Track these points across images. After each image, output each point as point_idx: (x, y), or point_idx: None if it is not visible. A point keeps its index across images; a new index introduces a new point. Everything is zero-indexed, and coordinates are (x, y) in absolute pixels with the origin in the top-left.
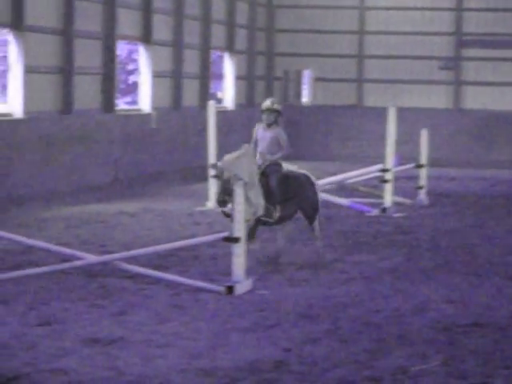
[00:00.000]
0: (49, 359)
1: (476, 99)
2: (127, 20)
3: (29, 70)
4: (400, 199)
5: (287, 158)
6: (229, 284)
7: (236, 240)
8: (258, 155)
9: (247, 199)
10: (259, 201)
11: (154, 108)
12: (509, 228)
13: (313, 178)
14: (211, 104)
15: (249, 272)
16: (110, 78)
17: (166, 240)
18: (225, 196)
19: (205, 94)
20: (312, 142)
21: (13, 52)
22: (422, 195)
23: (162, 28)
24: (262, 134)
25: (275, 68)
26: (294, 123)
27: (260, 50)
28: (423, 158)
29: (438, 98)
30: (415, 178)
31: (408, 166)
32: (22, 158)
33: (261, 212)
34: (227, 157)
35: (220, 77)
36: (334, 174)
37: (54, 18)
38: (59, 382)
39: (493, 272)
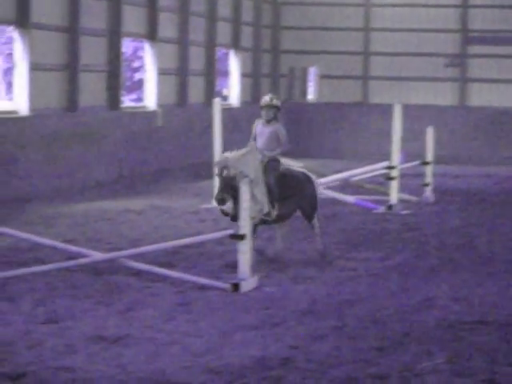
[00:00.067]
0: (55, 357)
1: (482, 96)
2: (133, 17)
3: (34, 68)
4: (406, 196)
5: (290, 155)
6: (235, 281)
7: (242, 237)
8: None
9: (253, 196)
10: (264, 198)
11: (160, 105)
12: None
13: (312, 177)
14: (217, 101)
15: (254, 269)
16: (116, 76)
17: (172, 237)
18: (224, 194)
19: (210, 92)
20: (318, 140)
21: (18, 49)
22: (428, 192)
23: (167, 25)
24: (261, 129)
25: (281, 65)
26: (300, 120)
27: (265, 48)
28: (429, 156)
29: (443, 95)
30: (421, 175)
31: (414, 163)
32: (28, 155)
33: (266, 209)
34: (226, 154)
35: (225, 74)
36: (340, 171)
37: (59, 16)
38: (65, 379)
39: (498, 269)
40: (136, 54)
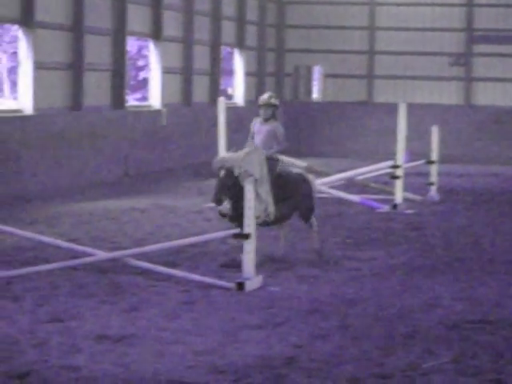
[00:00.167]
0: (59, 355)
1: (487, 95)
2: (137, 16)
3: (39, 67)
4: (411, 195)
5: (294, 154)
6: (239, 280)
7: (246, 236)
8: None
9: (257, 196)
10: (269, 197)
11: (164, 104)
12: None
13: (308, 177)
14: (221, 100)
15: (259, 269)
16: (120, 75)
17: (177, 236)
18: (221, 194)
19: (215, 91)
20: (322, 139)
21: (23, 48)
22: (433, 191)
23: (172, 24)
24: (259, 128)
25: (285, 64)
26: (304, 119)
27: (270, 46)
28: (434, 155)
29: (448, 94)
30: (426, 174)
31: (419, 163)
32: (32, 154)
33: (271, 209)
34: (223, 155)
35: (230, 73)
36: (344, 170)
37: (63, 14)
38: (69, 378)
39: (503, 269)
40: (140, 53)
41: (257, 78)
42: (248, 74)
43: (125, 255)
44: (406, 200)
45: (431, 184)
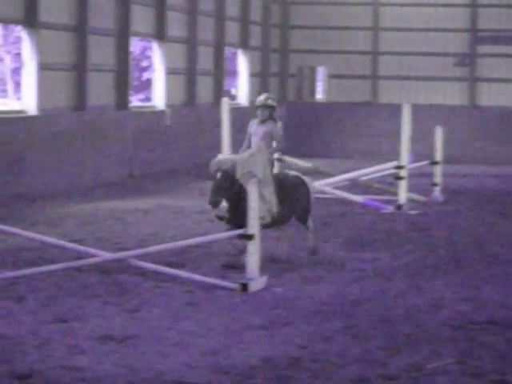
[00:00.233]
0: (63, 356)
1: (491, 96)
2: (141, 17)
3: (43, 67)
4: (415, 196)
5: (298, 155)
6: (243, 281)
7: (250, 237)
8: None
9: (261, 196)
10: (273, 198)
11: (168, 105)
12: None
13: (306, 180)
14: (225, 101)
15: (263, 269)
16: (124, 75)
17: (181, 237)
18: (217, 197)
19: (219, 91)
20: (326, 139)
21: (26, 49)
22: (437, 192)
23: (175, 25)
24: (256, 129)
25: (289, 65)
26: (308, 120)
27: (274, 47)
28: (438, 155)
29: (452, 95)
30: (430, 175)
31: (423, 163)
32: (36, 154)
33: (275, 210)
34: (219, 157)
35: (234, 74)
36: (349, 170)
37: (67, 15)
38: (73, 378)
39: (508, 269)
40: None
41: (261, 79)
42: (252, 74)
43: (129, 256)
44: (410, 201)
45: (435, 185)
